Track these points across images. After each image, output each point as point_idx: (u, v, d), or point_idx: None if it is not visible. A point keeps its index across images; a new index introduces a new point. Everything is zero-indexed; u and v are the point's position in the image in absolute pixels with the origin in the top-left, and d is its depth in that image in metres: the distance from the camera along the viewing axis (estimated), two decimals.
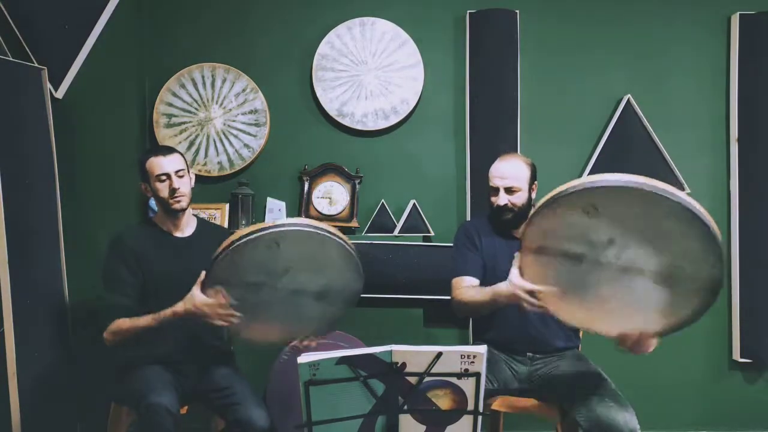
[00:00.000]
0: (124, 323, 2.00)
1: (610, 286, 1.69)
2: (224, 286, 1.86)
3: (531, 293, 1.79)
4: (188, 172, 2.17)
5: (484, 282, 2.14)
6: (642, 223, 1.58)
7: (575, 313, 1.81)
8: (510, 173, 2.15)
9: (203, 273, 1.88)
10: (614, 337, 1.80)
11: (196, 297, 1.88)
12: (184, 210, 2.15)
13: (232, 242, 1.80)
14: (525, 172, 2.17)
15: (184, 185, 2.13)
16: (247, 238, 1.78)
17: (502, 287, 1.90)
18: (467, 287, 2.14)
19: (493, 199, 2.19)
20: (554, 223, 1.68)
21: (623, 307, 1.71)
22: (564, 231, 1.68)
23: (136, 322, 1.99)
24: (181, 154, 2.18)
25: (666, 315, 1.67)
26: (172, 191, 2.10)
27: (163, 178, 2.10)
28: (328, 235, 1.83)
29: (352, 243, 1.91)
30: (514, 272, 1.84)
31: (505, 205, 2.14)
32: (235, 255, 1.81)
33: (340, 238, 1.85)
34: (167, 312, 1.95)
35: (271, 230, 1.79)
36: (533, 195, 2.20)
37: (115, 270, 2.09)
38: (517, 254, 1.85)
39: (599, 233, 1.64)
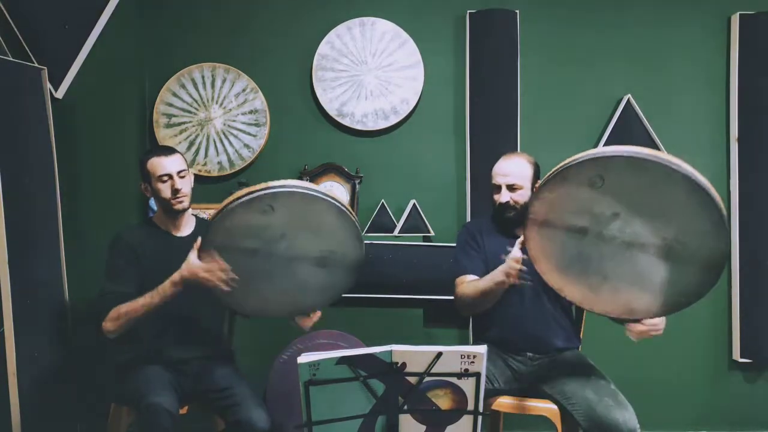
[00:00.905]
0: (122, 307, 1.98)
1: (613, 261, 1.68)
2: (220, 253, 1.82)
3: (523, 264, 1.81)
4: (189, 172, 2.17)
5: None
6: (648, 197, 1.58)
7: (577, 291, 1.81)
8: (513, 171, 2.16)
9: (199, 239, 1.86)
10: (614, 317, 1.81)
11: (193, 262, 1.87)
12: (185, 210, 2.16)
13: (226, 205, 1.76)
14: (528, 171, 2.17)
15: (186, 185, 2.13)
16: (240, 200, 1.75)
17: (497, 270, 1.93)
18: (468, 283, 2.14)
19: (495, 196, 2.19)
20: (561, 195, 1.68)
21: (626, 285, 1.71)
22: (569, 204, 1.68)
23: (135, 302, 1.97)
24: (182, 155, 2.18)
25: (669, 292, 1.66)
26: (175, 192, 2.10)
27: (165, 178, 2.10)
28: (323, 196, 1.79)
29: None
30: (515, 249, 1.85)
31: (507, 202, 2.15)
32: (228, 219, 1.78)
33: (337, 201, 1.81)
34: (165, 284, 1.94)
35: (263, 191, 1.75)
36: None
37: (116, 265, 2.09)
38: (518, 241, 1.86)
39: (604, 206, 1.64)
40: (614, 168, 1.59)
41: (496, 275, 1.95)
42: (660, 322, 1.86)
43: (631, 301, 1.73)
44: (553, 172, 1.69)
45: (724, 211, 1.53)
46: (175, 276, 1.92)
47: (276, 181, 1.79)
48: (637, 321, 1.84)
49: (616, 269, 1.69)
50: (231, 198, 1.78)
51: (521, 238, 1.86)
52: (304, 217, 1.81)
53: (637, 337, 1.88)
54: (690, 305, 1.67)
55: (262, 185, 1.76)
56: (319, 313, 2.01)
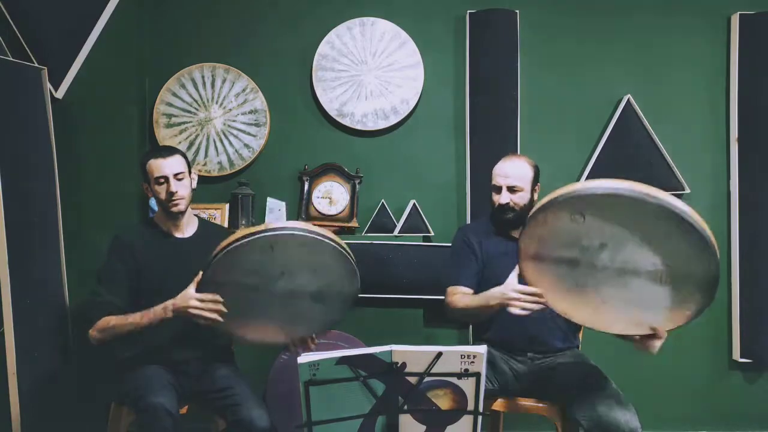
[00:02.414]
0: (111, 320, 1.99)
1: (609, 287, 1.71)
2: (220, 288, 1.87)
3: (524, 294, 1.81)
4: (189, 173, 2.16)
5: (484, 282, 2.15)
6: (631, 226, 1.61)
7: (581, 313, 1.82)
8: (513, 172, 2.16)
9: (200, 273, 1.88)
10: (619, 335, 1.82)
11: (188, 293, 1.88)
12: (182, 213, 2.15)
13: (227, 245, 1.82)
14: (528, 173, 2.17)
15: (183, 188, 2.12)
16: (241, 241, 1.80)
17: (494, 291, 1.91)
18: (461, 295, 2.15)
19: (495, 197, 2.19)
20: (546, 231, 1.71)
21: (625, 306, 1.73)
22: (556, 238, 1.71)
23: (124, 318, 1.98)
24: (183, 155, 2.16)
25: (666, 313, 1.69)
26: (170, 195, 2.09)
27: (161, 180, 2.09)
28: (322, 239, 1.84)
29: (349, 244, 1.92)
30: (512, 276, 1.86)
31: (507, 203, 2.15)
32: (229, 258, 1.83)
33: (335, 242, 1.86)
34: (157, 308, 1.94)
35: (264, 234, 1.80)
36: (535, 197, 2.20)
37: (112, 268, 2.09)
38: (514, 272, 1.87)
39: (590, 238, 1.67)
40: (592, 204, 1.62)
41: (492, 298, 1.93)
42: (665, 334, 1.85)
43: (633, 320, 1.75)
44: (536, 209, 1.71)
45: (708, 235, 1.54)
46: (168, 303, 1.93)
47: (277, 222, 1.86)
48: (648, 336, 1.82)
49: (614, 294, 1.72)
50: (232, 238, 1.82)
51: (517, 269, 1.85)
52: (302, 256, 1.86)
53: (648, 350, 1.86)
54: (692, 320, 1.69)
55: (263, 226, 1.81)
56: (314, 344, 2.03)
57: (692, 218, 1.53)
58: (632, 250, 1.63)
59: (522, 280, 1.84)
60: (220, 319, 1.87)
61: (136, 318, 1.98)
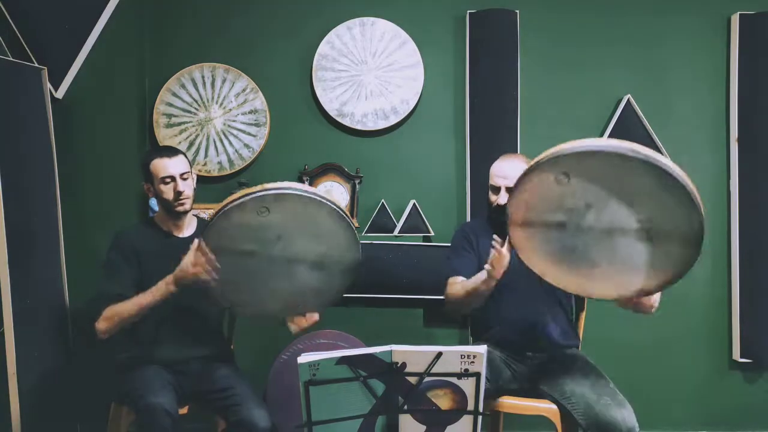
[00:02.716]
0: (116, 306, 1.99)
1: (598, 249, 1.72)
2: (217, 255, 1.84)
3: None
4: (191, 173, 2.17)
5: None
6: (615, 184, 1.63)
7: (571, 280, 1.84)
8: (511, 173, 2.15)
9: (195, 240, 1.87)
10: (614, 299, 1.84)
11: (186, 261, 1.88)
12: (187, 212, 2.15)
13: (222, 207, 1.79)
14: None
15: (189, 188, 2.13)
16: (235, 202, 1.77)
17: (482, 271, 1.97)
18: (459, 285, 2.17)
19: (493, 198, 2.19)
20: (532, 195, 1.73)
21: (614, 268, 1.75)
22: (543, 202, 1.73)
23: (127, 302, 1.98)
24: (185, 155, 2.17)
25: (655, 270, 1.70)
26: (177, 194, 2.09)
27: (168, 180, 2.09)
28: (319, 198, 1.80)
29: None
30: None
31: (506, 204, 2.14)
32: (225, 221, 1.79)
33: (333, 203, 1.82)
34: (159, 284, 1.95)
35: (258, 193, 1.77)
36: None
37: (115, 263, 2.09)
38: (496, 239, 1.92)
39: (575, 199, 1.69)
40: (577, 163, 1.63)
41: (481, 273, 1.99)
42: (656, 298, 1.90)
43: (624, 282, 1.76)
44: (522, 174, 1.74)
45: (691, 187, 1.56)
46: (169, 277, 1.93)
47: (272, 183, 1.80)
48: (636, 299, 1.85)
49: (603, 255, 1.73)
50: (227, 200, 1.80)
51: (507, 240, 1.89)
52: (299, 220, 1.82)
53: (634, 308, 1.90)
54: (680, 277, 1.70)
55: (258, 187, 1.78)
56: (316, 316, 2.01)
57: (675, 172, 1.54)
58: (617, 209, 1.64)
59: (513, 251, 1.89)
60: (215, 276, 1.85)
61: (139, 298, 1.97)
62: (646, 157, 1.54)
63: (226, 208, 1.79)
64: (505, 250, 1.90)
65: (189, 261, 1.88)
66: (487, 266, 1.94)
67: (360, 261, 1.93)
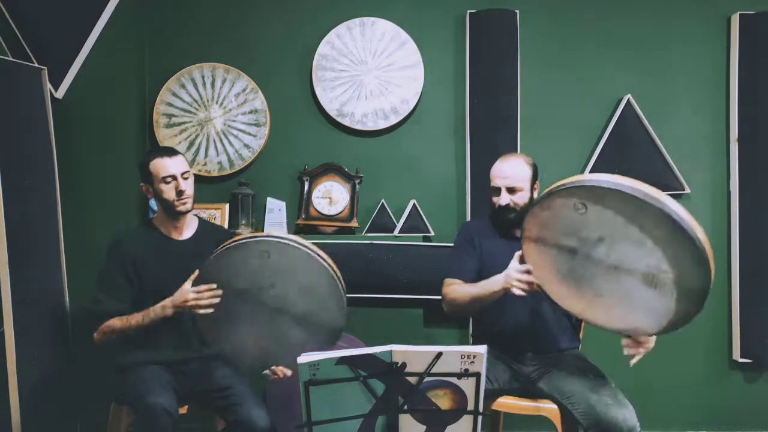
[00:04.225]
0: (114, 323, 2.03)
1: (603, 281, 1.73)
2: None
3: (526, 272, 1.87)
4: (191, 173, 2.17)
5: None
6: (629, 226, 1.62)
7: (574, 303, 1.85)
8: (512, 173, 2.15)
9: (197, 271, 1.91)
10: (610, 330, 1.84)
11: (186, 288, 1.92)
12: (189, 211, 2.15)
13: (226, 244, 1.86)
14: (527, 172, 2.17)
15: (190, 187, 2.13)
16: (240, 241, 1.85)
17: (497, 276, 1.97)
18: (456, 286, 2.17)
19: (494, 199, 2.19)
20: (550, 216, 1.74)
21: (616, 302, 1.75)
22: (559, 224, 1.73)
23: (126, 320, 2.02)
24: (184, 156, 2.18)
25: (654, 316, 1.69)
26: (179, 193, 2.10)
27: (169, 180, 2.09)
28: (321, 260, 1.86)
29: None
30: (514, 260, 1.93)
31: (507, 205, 2.14)
32: (226, 258, 1.86)
33: (334, 271, 1.88)
34: (156, 308, 1.98)
35: (263, 238, 1.84)
36: (535, 195, 2.20)
37: (112, 275, 2.10)
38: (517, 254, 1.93)
39: (590, 230, 1.69)
40: (595, 196, 1.63)
41: (493, 285, 1.98)
42: (651, 340, 1.87)
43: (624, 317, 1.76)
44: (544, 193, 1.75)
45: (704, 244, 1.54)
46: (167, 301, 1.97)
47: (282, 233, 1.94)
48: (631, 337, 1.85)
49: (607, 288, 1.74)
50: (234, 238, 1.89)
51: (520, 252, 1.91)
52: (296, 273, 1.89)
53: (629, 352, 1.88)
54: (678, 328, 1.69)
55: (267, 232, 1.89)
56: (289, 372, 2.05)
57: (691, 229, 1.52)
58: (628, 249, 1.64)
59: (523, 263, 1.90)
60: (211, 309, 1.91)
61: (137, 319, 2.01)
62: (664, 208, 1.53)
63: (230, 245, 1.87)
64: (516, 261, 1.93)
65: (190, 289, 1.92)
66: (504, 281, 1.94)
67: (343, 329, 1.97)
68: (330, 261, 1.90)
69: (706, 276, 1.56)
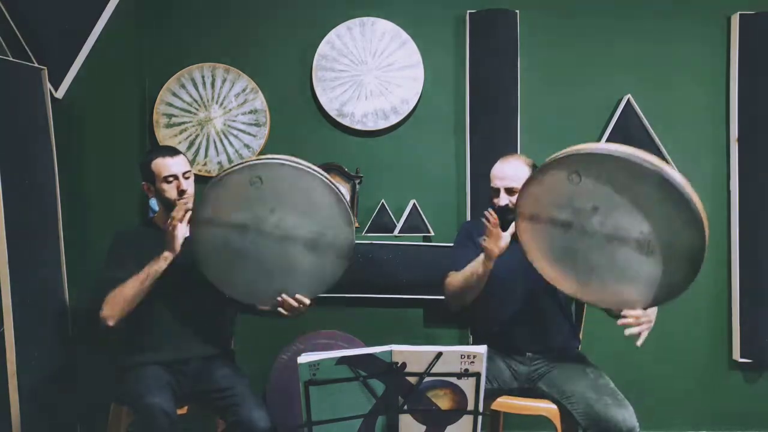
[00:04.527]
0: (118, 289, 1.99)
1: (597, 254, 1.74)
2: (210, 228, 1.85)
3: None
4: (191, 172, 2.18)
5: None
6: (623, 193, 1.64)
7: (570, 283, 1.86)
8: (511, 174, 2.16)
9: (189, 212, 1.91)
10: (605, 308, 1.87)
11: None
12: (189, 211, 2.15)
13: (215, 177, 1.82)
14: (526, 173, 2.16)
15: (191, 186, 2.14)
16: (229, 170, 1.81)
17: (478, 257, 2.04)
18: (454, 274, 2.20)
19: (494, 200, 2.19)
20: (543, 190, 1.76)
21: (611, 276, 1.76)
22: (552, 198, 1.75)
23: (128, 282, 1.99)
24: (185, 155, 2.18)
25: (649, 286, 1.70)
26: (181, 192, 2.10)
27: (171, 179, 2.10)
28: (314, 172, 1.78)
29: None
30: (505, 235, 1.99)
31: (506, 205, 2.14)
32: (218, 190, 1.80)
33: (327, 178, 1.81)
34: (151, 263, 1.99)
35: (252, 162, 1.78)
36: None
37: (117, 253, 2.11)
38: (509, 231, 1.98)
39: (584, 200, 1.70)
40: (590, 165, 1.65)
41: (475, 263, 2.06)
42: (651, 313, 1.85)
43: (618, 292, 1.78)
44: (537, 169, 1.78)
45: (698, 207, 1.55)
46: (160, 256, 1.99)
47: (267, 154, 1.83)
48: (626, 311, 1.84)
49: (601, 261, 1.75)
50: (219, 173, 1.85)
51: (512, 228, 1.95)
52: (294, 194, 1.80)
53: (632, 332, 1.87)
54: (675, 297, 1.70)
55: (254, 157, 1.81)
56: (307, 300, 1.97)
57: (684, 189, 1.54)
58: (622, 216, 1.65)
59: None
60: (190, 205, 1.96)
61: (138, 275, 1.99)
62: (657, 169, 1.54)
63: (219, 177, 1.83)
64: (507, 234, 1.98)
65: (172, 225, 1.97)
66: (482, 239, 2.00)
67: (354, 243, 1.89)
68: (327, 175, 1.82)
69: (700, 239, 1.56)
